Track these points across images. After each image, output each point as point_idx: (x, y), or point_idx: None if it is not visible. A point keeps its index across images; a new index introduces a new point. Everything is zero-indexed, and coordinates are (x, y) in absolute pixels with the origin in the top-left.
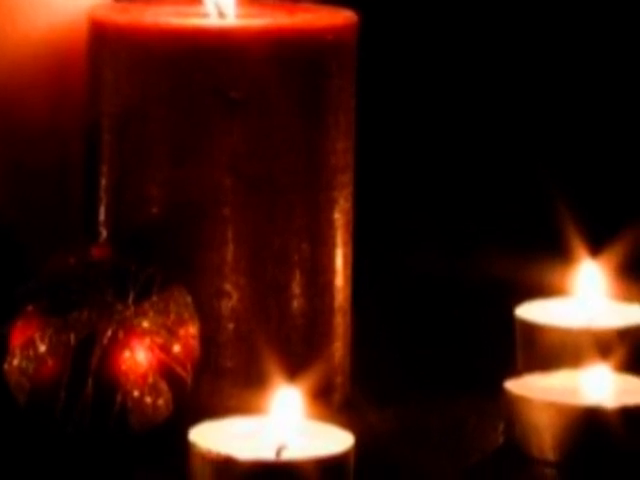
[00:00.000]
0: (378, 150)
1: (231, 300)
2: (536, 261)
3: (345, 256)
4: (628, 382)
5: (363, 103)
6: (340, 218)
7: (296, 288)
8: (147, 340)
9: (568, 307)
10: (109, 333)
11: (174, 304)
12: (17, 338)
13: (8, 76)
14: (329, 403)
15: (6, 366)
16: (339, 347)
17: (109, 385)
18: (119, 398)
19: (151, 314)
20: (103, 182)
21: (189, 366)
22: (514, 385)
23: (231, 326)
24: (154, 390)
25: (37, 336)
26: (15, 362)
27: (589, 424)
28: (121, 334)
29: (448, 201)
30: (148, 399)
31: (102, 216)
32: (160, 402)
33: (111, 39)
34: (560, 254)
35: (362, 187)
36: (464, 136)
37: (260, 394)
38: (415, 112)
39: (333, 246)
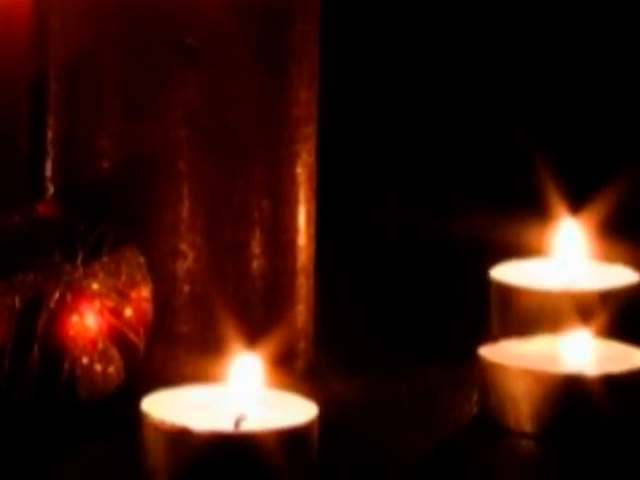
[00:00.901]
0: (343, 100)
1: (186, 261)
2: (512, 219)
3: (308, 213)
4: (610, 348)
5: (326, 50)
6: (303, 173)
7: (256, 248)
8: (97, 303)
9: (547, 268)
10: (56, 296)
11: (126, 265)
12: None
13: None
14: (291, 370)
15: None
16: (302, 310)
17: (56, 351)
18: (67, 365)
19: (101, 275)
20: (50, 135)
21: (142, 331)
22: (489, 351)
23: (186, 288)
24: (104, 357)
25: None
26: None
27: (569, 393)
28: (69, 297)
29: (419, 156)
30: (98, 366)
31: (49, 171)
32: (111, 369)
33: None
34: (538, 211)
35: (326, 140)
36: (437, 87)
37: (217, 361)
38: (384, 60)
39: (295, 203)
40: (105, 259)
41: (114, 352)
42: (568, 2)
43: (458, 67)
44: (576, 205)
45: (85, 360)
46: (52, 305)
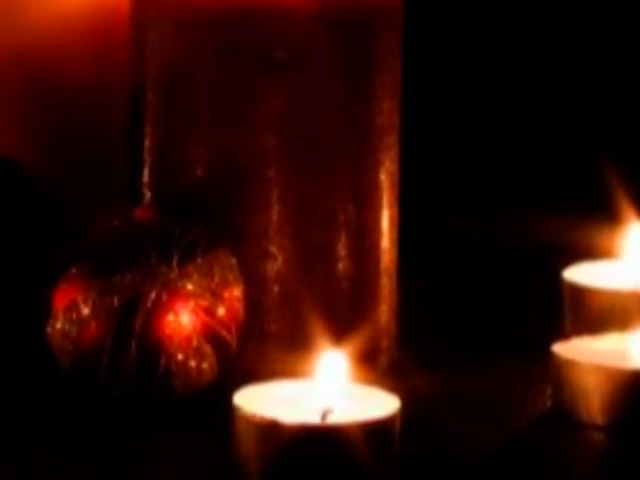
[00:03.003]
0: (423, 110)
1: (276, 262)
2: (584, 223)
3: (391, 218)
4: None
5: (409, 62)
6: (386, 180)
7: (342, 250)
8: (191, 303)
9: (616, 269)
10: (153, 296)
11: (218, 266)
12: (60, 301)
13: (53, 36)
14: (375, 366)
15: (49, 329)
16: (385, 310)
17: (153, 348)
18: (163, 362)
19: (195, 276)
20: (147, 143)
21: (234, 329)
22: (562, 348)
23: (276, 289)
24: (198, 353)
25: (80, 299)
26: (58, 325)
27: (637, 387)
28: (165, 297)
29: (495, 162)
30: (192, 363)
31: (146, 177)
32: (204, 366)
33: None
34: (608, 216)
35: (407, 148)
36: (511, 96)
37: (305, 358)
38: (460, 72)
39: (379, 208)
40: (199, 261)
41: (208, 349)
42: (611, 9)
43: (534, 75)
44: None
45: (180, 357)
46: (149, 304)
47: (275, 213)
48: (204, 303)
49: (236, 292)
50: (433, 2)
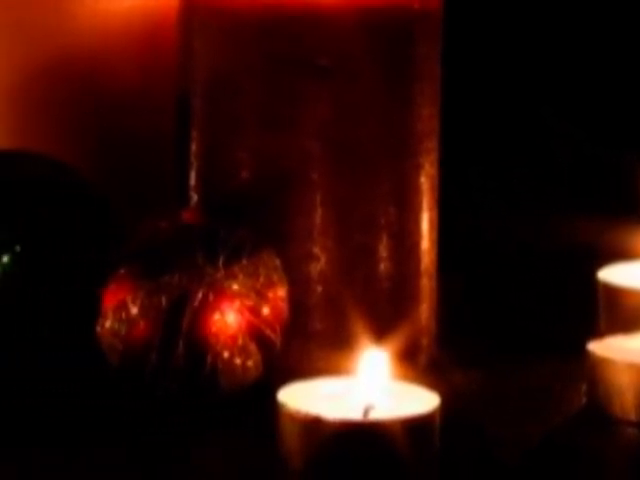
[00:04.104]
0: (462, 115)
1: (319, 263)
2: (619, 224)
3: (431, 220)
4: None
5: (448, 69)
6: (426, 183)
7: (383, 251)
8: (237, 302)
9: None
10: (199, 296)
11: (263, 267)
12: (110, 301)
13: (101, 44)
14: (415, 364)
15: (99, 328)
16: (425, 309)
17: (200, 347)
18: (209, 359)
19: (241, 277)
20: (194, 147)
21: (278, 328)
22: (597, 347)
23: (319, 289)
24: (244, 352)
25: (129, 299)
26: (107, 324)
27: None
28: (211, 297)
29: (531, 164)
30: (238, 360)
31: (193, 181)
32: (249, 363)
33: (201, 8)
34: None
35: (447, 152)
36: (547, 100)
37: (348, 356)
38: (499, 79)
39: (419, 210)
40: (244, 262)
41: (253, 347)
42: (628, 14)
43: (569, 82)
44: None
45: (226, 355)
46: (196, 304)
47: (318, 216)
48: (249, 303)
49: (280, 292)
50: (471, 9)
